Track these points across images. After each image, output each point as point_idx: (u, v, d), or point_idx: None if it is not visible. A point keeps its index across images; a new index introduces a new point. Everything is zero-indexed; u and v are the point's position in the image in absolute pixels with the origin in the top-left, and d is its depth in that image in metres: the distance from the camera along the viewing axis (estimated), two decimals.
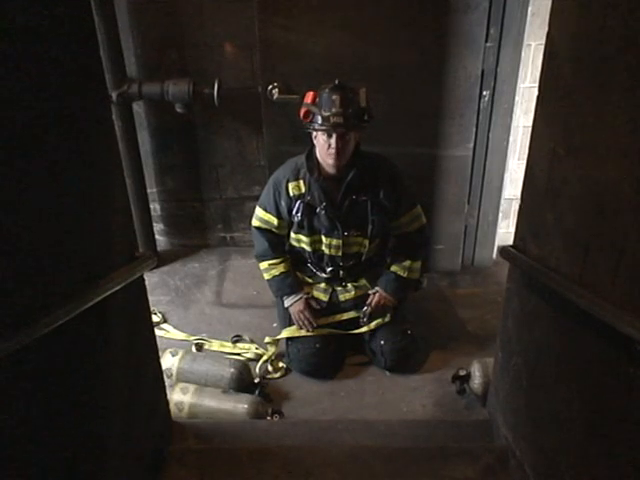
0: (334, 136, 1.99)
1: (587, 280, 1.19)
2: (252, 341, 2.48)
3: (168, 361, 2.18)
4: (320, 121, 1.98)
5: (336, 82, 1.98)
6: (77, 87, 1.20)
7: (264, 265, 2.33)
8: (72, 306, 1.12)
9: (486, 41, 2.48)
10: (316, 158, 2.13)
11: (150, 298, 1.69)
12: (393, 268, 2.31)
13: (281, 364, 2.33)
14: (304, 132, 2.11)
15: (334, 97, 1.95)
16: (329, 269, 2.33)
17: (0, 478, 1.00)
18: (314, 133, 2.06)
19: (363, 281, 2.36)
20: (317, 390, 2.23)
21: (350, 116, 1.96)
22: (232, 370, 2.14)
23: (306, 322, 2.28)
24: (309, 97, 2.03)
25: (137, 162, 2.81)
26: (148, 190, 2.99)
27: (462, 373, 2.16)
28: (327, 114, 1.96)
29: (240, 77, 2.79)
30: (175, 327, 2.59)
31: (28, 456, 1.08)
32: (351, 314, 2.33)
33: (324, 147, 2.03)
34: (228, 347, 2.44)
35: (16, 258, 1.00)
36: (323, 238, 2.24)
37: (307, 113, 2.02)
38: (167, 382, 1.93)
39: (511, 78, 2.59)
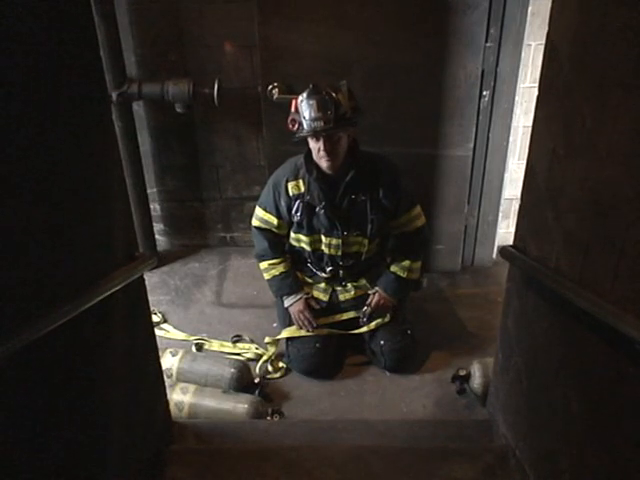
0: (321, 140, 1.99)
1: (587, 280, 1.19)
2: (252, 341, 2.48)
3: (168, 361, 2.18)
4: (304, 127, 1.99)
5: (311, 86, 1.96)
6: (77, 87, 1.20)
7: (264, 265, 2.33)
8: (72, 306, 1.12)
9: (486, 41, 2.48)
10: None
11: (150, 298, 1.69)
12: (393, 268, 2.31)
13: (281, 364, 2.33)
14: None
15: (311, 102, 1.94)
16: (329, 269, 2.32)
17: (0, 478, 1.00)
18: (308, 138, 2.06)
19: (363, 281, 2.36)
20: (317, 390, 2.23)
21: (331, 118, 1.93)
22: (232, 370, 2.14)
23: (306, 322, 2.28)
24: (292, 105, 2.04)
25: (137, 162, 2.81)
26: (148, 190, 2.99)
27: (462, 373, 2.16)
28: (308, 120, 1.96)
29: (240, 77, 2.79)
30: (175, 327, 2.59)
31: (28, 456, 1.07)
32: (351, 314, 2.33)
33: (315, 151, 2.04)
34: (228, 347, 2.44)
35: (16, 258, 1.00)
36: (323, 238, 2.24)
37: (292, 122, 2.03)
38: (167, 382, 1.93)
39: (511, 78, 2.59)
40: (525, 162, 1.53)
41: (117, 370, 1.44)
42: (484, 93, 2.60)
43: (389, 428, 1.95)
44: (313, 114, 1.94)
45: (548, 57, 1.38)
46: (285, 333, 2.34)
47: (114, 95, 2.58)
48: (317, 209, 2.16)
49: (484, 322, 2.58)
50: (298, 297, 2.30)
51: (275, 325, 2.52)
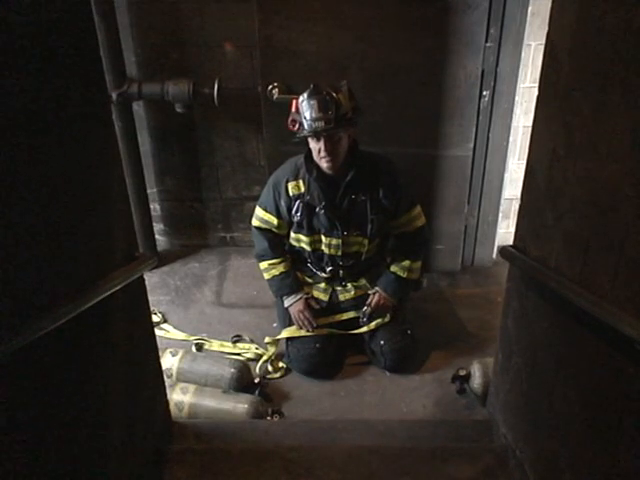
0: (322, 140, 1.99)
1: (587, 280, 1.19)
2: (252, 341, 2.48)
3: (168, 361, 2.18)
4: (305, 128, 1.99)
5: (311, 87, 1.96)
6: (77, 87, 1.20)
7: (264, 265, 2.33)
8: (72, 306, 1.12)
9: (486, 41, 2.48)
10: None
11: (150, 298, 1.69)
12: (393, 268, 2.31)
13: (281, 364, 2.33)
14: None
15: (312, 102, 1.94)
16: (329, 269, 2.32)
17: (2, 479, 1.00)
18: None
19: (363, 281, 2.36)
20: (317, 390, 2.23)
21: (332, 118, 1.93)
22: (232, 370, 2.14)
23: (306, 322, 2.28)
24: (293, 105, 2.03)
25: (137, 162, 2.81)
26: (148, 190, 2.99)
27: (462, 373, 2.16)
28: (309, 120, 1.95)
29: (240, 77, 2.79)
30: (175, 327, 2.59)
31: (28, 456, 1.07)
32: (351, 314, 2.33)
33: (316, 151, 2.04)
34: (228, 347, 2.44)
35: (16, 258, 1.00)
36: (323, 238, 2.24)
37: (293, 122, 2.03)
38: (167, 382, 1.93)
39: (511, 78, 2.59)
40: (525, 162, 1.53)
41: (117, 370, 1.44)
42: (484, 93, 2.60)
43: (389, 428, 1.95)
44: (314, 114, 1.94)
45: (548, 57, 1.38)
46: (285, 333, 2.34)
47: (114, 95, 2.58)
48: (317, 209, 2.16)
49: (484, 322, 2.58)
50: (298, 297, 2.30)
51: (275, 325, 2.52)
